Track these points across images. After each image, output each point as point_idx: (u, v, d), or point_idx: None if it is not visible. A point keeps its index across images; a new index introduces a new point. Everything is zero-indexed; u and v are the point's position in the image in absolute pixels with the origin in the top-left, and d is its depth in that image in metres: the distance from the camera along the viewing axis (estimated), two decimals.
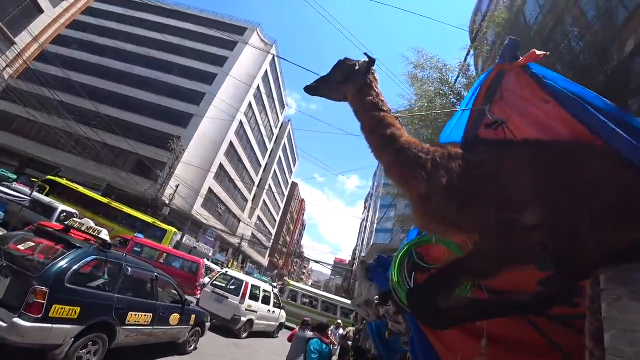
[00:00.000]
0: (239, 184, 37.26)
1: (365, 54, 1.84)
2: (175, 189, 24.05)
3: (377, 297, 3.67)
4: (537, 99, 1.70)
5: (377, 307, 2.97)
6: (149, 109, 30.40)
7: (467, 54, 11.38)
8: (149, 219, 18.62)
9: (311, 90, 1.82)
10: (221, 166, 32.06)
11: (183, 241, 24.93)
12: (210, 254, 30.53)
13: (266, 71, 41.31)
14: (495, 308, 1.56)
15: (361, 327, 10.79)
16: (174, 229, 17.62)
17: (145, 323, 4.98)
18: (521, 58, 1.77)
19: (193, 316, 6.54)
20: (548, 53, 1.84)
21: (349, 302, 20.38)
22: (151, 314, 5.09)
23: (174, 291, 6.21)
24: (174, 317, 5.81)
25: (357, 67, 1.78)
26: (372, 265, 4.90)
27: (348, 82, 1.78)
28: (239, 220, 38.43)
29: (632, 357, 1.16)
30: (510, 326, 2.07)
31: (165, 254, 14.16)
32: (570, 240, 1.36)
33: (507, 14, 10.13)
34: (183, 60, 33.14)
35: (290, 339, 7.62)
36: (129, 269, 4.80)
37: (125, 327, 4.53)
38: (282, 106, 53.00)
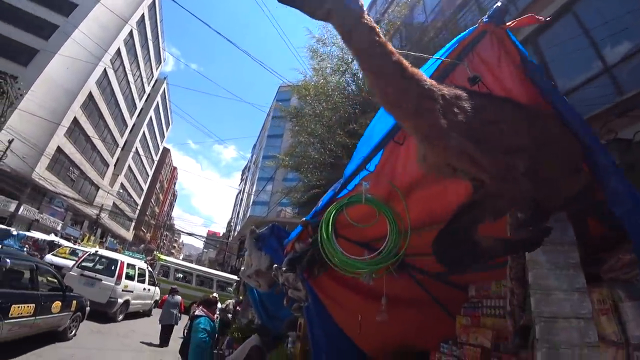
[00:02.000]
0: (99, 145, 31.62)
1: None
2: (7, 144, 18.89)
3: (276, 265, 3.60)
4: (508, 62, 1.76)
5: (284, 273, 3.00)
6: None
7: None
8: None
9: None
10: (75, 121, 26.48)
11: (20, 212, 20.16)
12: (59, 228, 25.47)
13: (143, 15, 35.43)
14: (508, 245, 1.69)
15: (240, 300, 11.30)
16: None
17: (28, 314, 4.70)
18: (513, 21, 1.72)
19: (74, 302, 6.31)
20: (549, 18, 2.15)
21: (225, 274, 20.76)
22: (34, 305, 4.81)
23: (52, 279, 5.68)
24: (56, 305, 5.55)
25: None
26: (262, 234, 4.76)
27: None
28: (98, 188, 32.86)
29: (544, 289, 1.50)
30: (402, 286, 2.45)
31: None
32: (545, 185, 1.55)
33: (407, 9, 11.29)
34: None
35: (161, 305, 9.92)
36: (7, 261, 4.45)
37: (8, 321, 4.24)
38: (158, 60, 46.61)
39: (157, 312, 13.22)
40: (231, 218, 70.72)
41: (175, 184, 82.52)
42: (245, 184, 56.23)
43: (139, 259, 16.66)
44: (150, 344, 8.73)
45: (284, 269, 2.96)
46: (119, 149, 37.13)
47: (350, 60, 10.05)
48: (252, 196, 44.37)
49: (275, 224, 4.70)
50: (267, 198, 41.08)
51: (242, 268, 8.23)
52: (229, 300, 12.79)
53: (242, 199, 57.18)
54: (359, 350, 2.80)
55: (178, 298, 9.91)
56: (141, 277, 11.68)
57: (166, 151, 65.25)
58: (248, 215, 43.42)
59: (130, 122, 39.26)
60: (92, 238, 29.30)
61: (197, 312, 5.59)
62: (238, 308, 11.25)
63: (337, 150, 8.89)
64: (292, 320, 5.32)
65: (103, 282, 9.39)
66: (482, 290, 2.13)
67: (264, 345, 5.31)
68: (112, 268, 9.92)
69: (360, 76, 9.86)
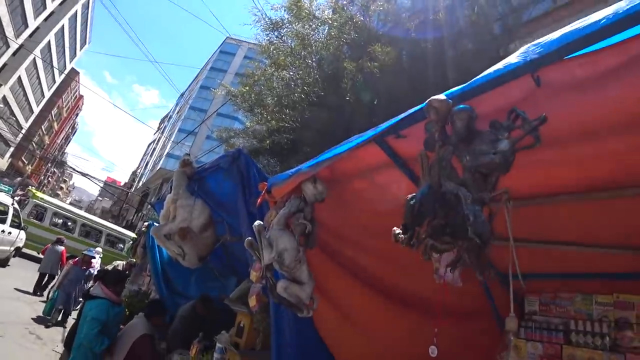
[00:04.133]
0: None
1: None
2: None
3: (259, 223, 1.81)
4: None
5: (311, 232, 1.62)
6: None
7: None
8: None
9: None
10: None
11: None
12: None
13: None
14: None
15: (134, 262, 9.53)
16: None
17: None
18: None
19: None
20: None
21: (118, 228, 18.00)
22: None
23: None
24: None
25: None
26: (206, 169, 3.00)
27: None
28: None
29: None
30: (459, 292, 1.67)
31: None
32: None
33: None
34: None
35: (43, 252, 9.70)
36: None
37: None
38: None
39: (15, 263, 10.72)
40: (137, 168, 64.24)
41: (77, 115, 70.35)
42: (162, 133, 51.77)
43: (2, 190, 13.12)
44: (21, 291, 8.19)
45: (399, 233, 1.22)
46: (9, 52, 29.54)
47: None
48: (168, 146, 41.00)
49: (244, 150, 2.83)
50: (183, 152, 38.05)
51: (149, 224, 6.46)
52: (119, 262, 10.64)
53: (154, 149, 52.84)
54: None
55: (60, 248, 9.41)
56: (1, 216, 9.11)
57: (74, 73, 54.55)
58: (159, 167, 39.84)
59: (32, 24, 31.53)
60: None
61: (93, 291, 3.47)
62: (128, 272, 9.46)
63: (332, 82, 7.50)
64: (202, 299, 4.02)
65: None
66: (555, 306, 1.57)
67: (158, 334, 3.82)
68: None
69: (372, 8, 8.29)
